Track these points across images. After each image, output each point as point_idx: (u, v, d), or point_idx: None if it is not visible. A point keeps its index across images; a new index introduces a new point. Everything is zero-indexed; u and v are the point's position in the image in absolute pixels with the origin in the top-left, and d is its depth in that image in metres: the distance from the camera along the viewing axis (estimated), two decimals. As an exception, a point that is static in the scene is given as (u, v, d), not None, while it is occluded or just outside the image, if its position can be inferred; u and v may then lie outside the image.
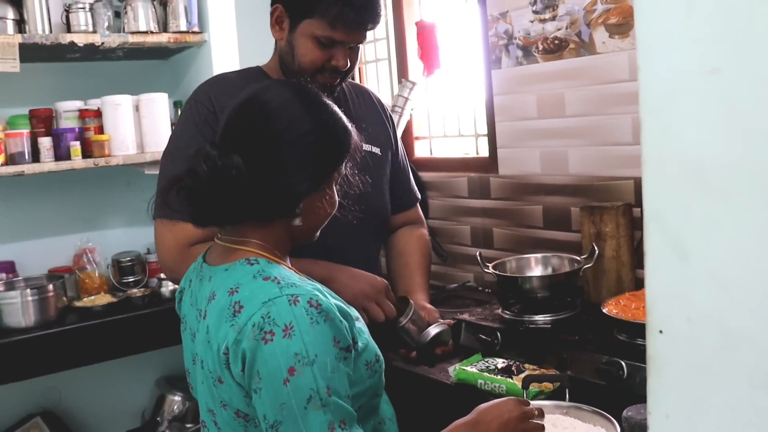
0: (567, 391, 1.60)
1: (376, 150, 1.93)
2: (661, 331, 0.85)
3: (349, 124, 1.37)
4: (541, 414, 1.45)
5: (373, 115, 1.99)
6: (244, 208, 1.27)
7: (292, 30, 1.77)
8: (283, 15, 1.80)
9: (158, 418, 3.44)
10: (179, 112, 3.37)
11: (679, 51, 0.80)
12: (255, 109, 1.32)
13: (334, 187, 1.37)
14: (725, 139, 0.77)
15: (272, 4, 1.83)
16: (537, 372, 1.86)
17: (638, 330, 1.86)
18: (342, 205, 1.42)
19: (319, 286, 1.26)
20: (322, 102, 1.36)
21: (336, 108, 1.37)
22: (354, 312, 1.29)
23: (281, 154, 1.27)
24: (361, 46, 1.83)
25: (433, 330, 1.89)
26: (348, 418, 1.18)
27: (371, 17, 1.75)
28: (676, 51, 0.80)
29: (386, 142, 1.99)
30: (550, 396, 1.76)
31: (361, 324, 1.30)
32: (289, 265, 1.34)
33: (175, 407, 3.44)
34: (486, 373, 1.86)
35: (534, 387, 1.73)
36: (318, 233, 1.40)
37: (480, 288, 2.83)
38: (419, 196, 2.10)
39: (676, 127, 0.81)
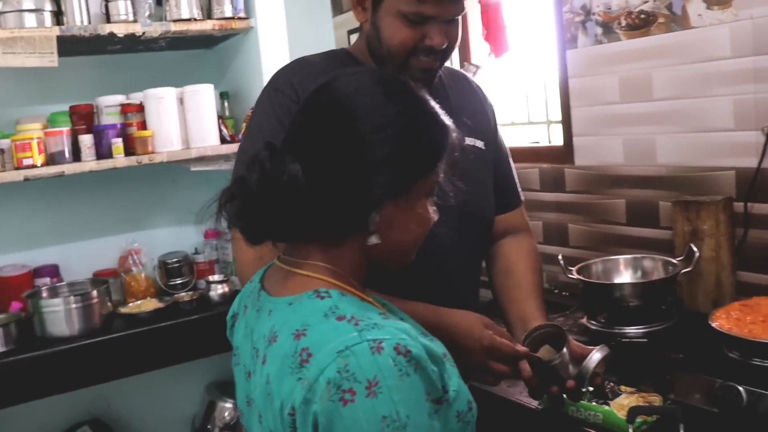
0: (682, 426, 1.36)
1: (480, 143, 1.65)
2: None
3: (447, 120, 1.13)
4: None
5: (475, 104, 1.70)
6: (303, 224, 1.05)
7: (376, 9, 1.51)
8: None
9: (209, 426, 3.32)
10: (226, 105, 3.22)
11: None
12: (323, 100, 1.10)
13: (427, 199, 1.13)
14: None
15: None
16: (635, 396, 1.62)
17: (754, 348, 1.60)
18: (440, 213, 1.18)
19: (402, 324, 1.02)
20: (410, 91, 1.12)
21: (430, 100, 1.13)
22: (441, 348, 1.06)
23: (351, 153, 1.04)
24: (460, 18, 1.53)
25: (596, 355, 1.43)
26: None
27: None
28: None
29: (490, 134, 1.71)
30: (654, 426, 1.52)
31: (451, 365, 1.07)
32: (366, 296, 1.11)
33: (226, 414, 3.31)
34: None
35: (641, 418, 1.49)
36: (413, 255, 1.16)
37: (556, 291, 2.58)
38: (523, 197, 1.79)
39: None
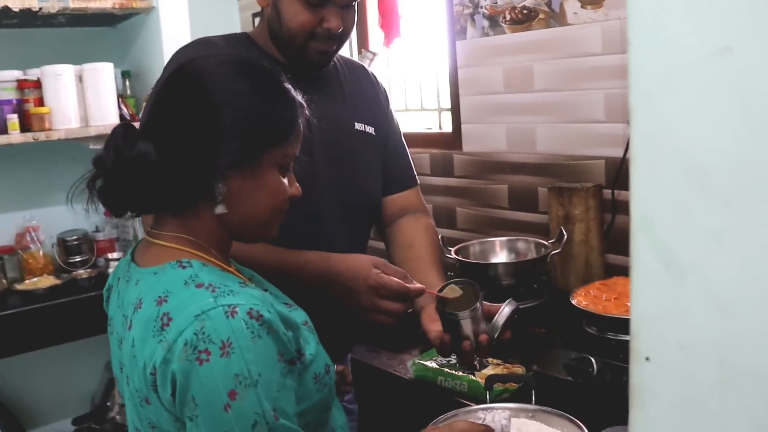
0: (533, 392, 1.48)
1: (370, 129, 1.73)
2: (647, 359, 0.72)
3: (298, 98, 1.20)
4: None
5: (369, 92, 1.78)
6: (154, 196, 1.13)
7: None
8: None
9: (108, 403, 3.31)
10: (127, 84, 3.21)
11: (681, 24, 0.66)
12: (179, 78, 1.17)
13: (284, 174, 1.19)
14: (734, 135, 0.63)
15: None
16: (500, 367, 1.74)
17: (608, 323, 1.75)
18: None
19: (258, 292, 1.10)
20: (264, 70, 1.19)
21: (283, 80, 1.20)
22: (300, 317, 1.14)
23: (200, 124, 1.11)
24: (356, 5, 1.60)
25: (506, 309, 1.45)
26: None
27: None
28: (676, 24, 0.67)
29: (382, 122, 1.79)
30: (514, 394, 1.65)
31: (309, 331, 1.16)
32: (228, 267, 1.19)
33: (126, 392, 3.31)
34: (446, 369, 1.74)
35: (498, 386, 1.62)
36: (274, 230, 1.22)
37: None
38: (418, 180, 1.87)
39: (673, 118, 0.68)
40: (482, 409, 1.37)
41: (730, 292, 0.66)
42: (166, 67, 1.56)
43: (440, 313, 1.46)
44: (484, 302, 1.47)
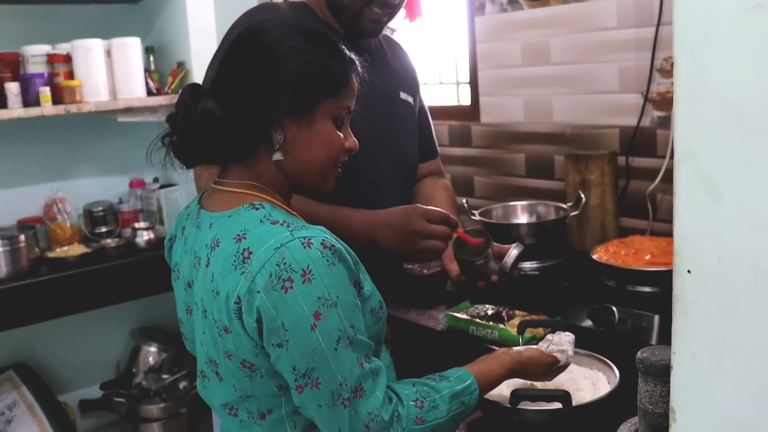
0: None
1: (409, 98, 1.87)
2: (689, 271, 0.84)
3: (351, 58, 1.30)
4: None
5: (407, 65, 1.92)
6: (219, 146, 1.24)
7: None
8: None
9: (133, 370, 3.41)
10: (151, 59, 3.30)
11: (719, -14, 0.78)
12: (241, 38, 1.28)
13: (339, 126, 1.29)
14: (765, 77, 0.75)
15: None
16: (528, 318, 1.86)
17: (628, 276, 1.87)
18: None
19: (324, 228, 1.22)
20: (321, 32, 1.30)
21: (337, 41, 1.31)
22: (355, 257, 1.26)
23: (261, 76, 1.22)
24: None
25: (514, 251, 1.72)
26: (370, 351, 1.18)
27: None
28: (715, -15, 0.78)
29: (415, 91, 1.93)
30: (541, 339, 1.77)
31: (363, 270, 1.27)
32: (293, 212, 1.30)
33: (151, 358, 3.41)
34: (477, 319, 1.86)
35: (528, 332, 1.74)
36: (330, 181, 1.33)
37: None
38: (438, 150, 2.04)
39: (713, 65, 0.80)
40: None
41: (762, 210, 0.78)
42: (231, 28, 1.67)
43: (457, 259, 1.69)
44: (494, 243, 1.70)
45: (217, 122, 1.22)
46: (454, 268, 1.73)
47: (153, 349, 3.41)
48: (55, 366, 3.40)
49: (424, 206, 1.59)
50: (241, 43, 1.29)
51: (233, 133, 1.23)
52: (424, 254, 1.59)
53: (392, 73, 1.82)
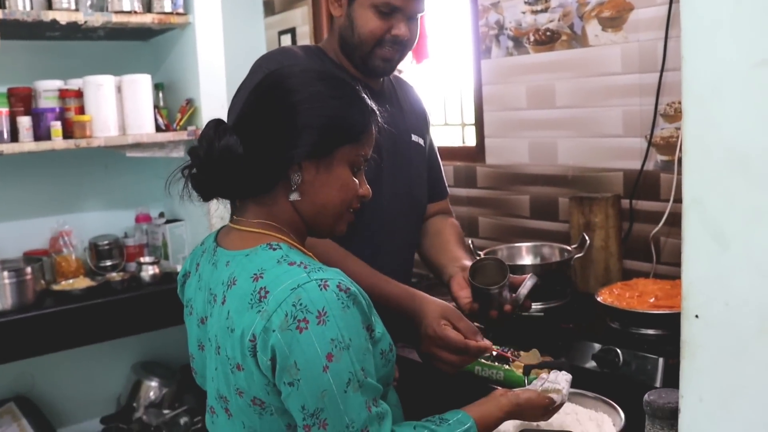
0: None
1: (420, 141, 1.92)
2: (697, 316, 0.87)
3: (373, 108, 1.35)
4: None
5: (418, 107, 1.98)
6: (239, 182, 1.28)
7: (351, 2, 1.74)
8: None
9: (134, 404, 3.41)
10: (160, 95, 3.35)
11: (726, 42, 0.82)
12: (266, 83, 1.32)
13: (355, 172, 1.33)
14: (772, 129, 0.79)
15: None
16: (540, 360, 1.87)
17: (632, 318, 1.89)
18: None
19: (340, 271, 1.25)
20: (342, 79, 1.35)
21: (359, 89, 1.35)
22: (368, 300, 1.28)
23: (283, 118, 1.26)
24: (419, 19, 1.79)
25: (529, 282, 1.71)
26: (378, 394, 1.20)
27: None
28: (722, 42, 0.82)
29: (425, 132, 1.98)
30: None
31: (375, 313, 1.29)
32: (309, 253, 1.33)
33: (152, 393, 3.40)
34: (483, 360, 1.87)
35: (534, 374, 1.75)
36: (342, 225, 1.36)
37: (466, 276, 2.84)
38: (448, 191, 2.08)
39: (720, 117, 0.83)
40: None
41: (768, 258, 0.80)
42: (252, 70, 1.73)
43: (472, 286, 1.70)
44: (510, 275, 1.71)
45: (239, 159, 1.26)
46: (464, 295, 1.72)
47: (154, 383, 3.41)
48: (55, 399, 3.39)
49: (446, 323, 1.54)
50: (268, 84, 1.33)
51: (253, 171, 1.26)
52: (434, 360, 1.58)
53: (404, 115, 1.86)
